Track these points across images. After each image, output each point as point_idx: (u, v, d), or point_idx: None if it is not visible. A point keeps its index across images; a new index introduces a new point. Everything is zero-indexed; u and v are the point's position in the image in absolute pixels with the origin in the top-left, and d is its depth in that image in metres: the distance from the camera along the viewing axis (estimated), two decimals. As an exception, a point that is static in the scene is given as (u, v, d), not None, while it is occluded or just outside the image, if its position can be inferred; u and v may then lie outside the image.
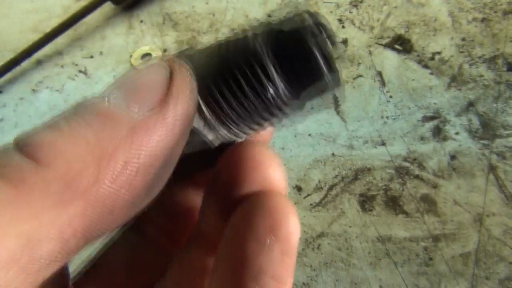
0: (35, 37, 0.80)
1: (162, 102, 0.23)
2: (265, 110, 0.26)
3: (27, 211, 0.19)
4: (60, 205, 0.20)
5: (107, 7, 0.85)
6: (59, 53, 0.81)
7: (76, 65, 0.79)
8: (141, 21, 0.83)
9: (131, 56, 0.78)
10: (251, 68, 0.25)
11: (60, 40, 0.81)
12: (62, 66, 0.79)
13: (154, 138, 0.22)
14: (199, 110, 0.26)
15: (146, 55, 0.78)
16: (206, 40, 0.79)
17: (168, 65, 0.24)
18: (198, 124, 0.26)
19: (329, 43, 0.25)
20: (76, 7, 0.85)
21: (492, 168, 0.61)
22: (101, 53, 0.80)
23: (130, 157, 0.22)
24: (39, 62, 0.80)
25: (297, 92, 0.26)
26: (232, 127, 0.27)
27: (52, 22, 0.84)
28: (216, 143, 0.28)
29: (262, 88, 0.25)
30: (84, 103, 0.23)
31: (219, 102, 0.26)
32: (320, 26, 0.25)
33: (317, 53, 0.25)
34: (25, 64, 0.78)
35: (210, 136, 0.27)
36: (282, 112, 0.27)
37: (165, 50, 0.78)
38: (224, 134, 0.27)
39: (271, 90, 0.26)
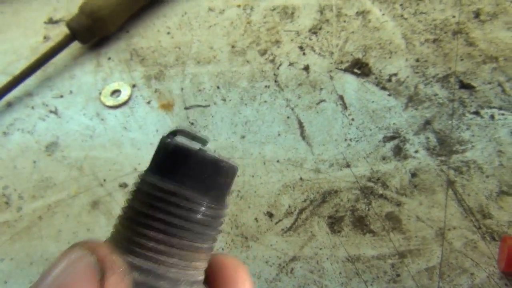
0: (3, 79, 0.81)
1: None
2: (200, 224, 0.28)
3: None
4: None
5: (75, 46, 0.86)
6: (29, 94, 0.82)
7: (47, 105, 0.80)
8: (109, 58, 0.85)
9: (100, 93, 0.80)
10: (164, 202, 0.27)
11: (29, 82, 0.82)
12: (32, 107, 0.80)
13: None
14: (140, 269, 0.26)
15: (116, 91, 0.80)
16: (174, 73, 0.81)
17: (100, 263, 0.23)
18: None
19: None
20: (43, 47, 0.86)
21: (450, 183, 0.64)
22: (70, 92, 0.81)
23: None
24: (9, 104, 0.81)
25: (207, 191, 0.28)
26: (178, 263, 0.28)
27: (20, 63, 0.86)
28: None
29: (187, 210, 0.28)
30: None
31: (155, 248, 0.27)
32: (173, 133, 0.30)
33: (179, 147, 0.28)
34: (-5, 107, 0.79)
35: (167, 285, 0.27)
36: (212, 217, 0.29)
37: (134, 86, 0.80)
38: (174, 274, 0.27)
39: (195, 206, 0.28)
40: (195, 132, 0.29)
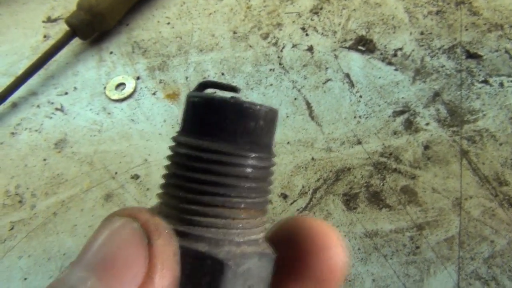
0: (7, 80, 0.81)
1: (146, 278, 0.21)
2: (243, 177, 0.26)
3: None
4: None
5: (75, 42, 0.86)
6: (33, 93, 0.81)
7: (52, 103, 0.80)
8: (111, 53, 0.85)
9: (105, 87, 0.80)
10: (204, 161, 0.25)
11: (33, 81, 0.82)
12: (38, 106, 0.80)
13: None
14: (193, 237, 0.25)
15: (120, 85, 0.80)
16: (177, 62, 0.81)
17: (143, 227, 0.22)
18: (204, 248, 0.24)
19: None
20: (44, 46, 0.86)
21: (464, 153, 0.64)
22: (75, 88, 0.81)
23: None
24: (14, 105, 0.80)
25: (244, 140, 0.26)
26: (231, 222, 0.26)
27: (22, 64, 0.85)
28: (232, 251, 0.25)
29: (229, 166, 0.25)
30: None
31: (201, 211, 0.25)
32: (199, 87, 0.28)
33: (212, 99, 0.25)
34: (0, 108, 0.79)
35: (221, 253, 0.24)
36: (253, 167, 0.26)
37: (138, 78, 0.80)
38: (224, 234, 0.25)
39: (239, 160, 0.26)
40: (223, 82, 0.27)
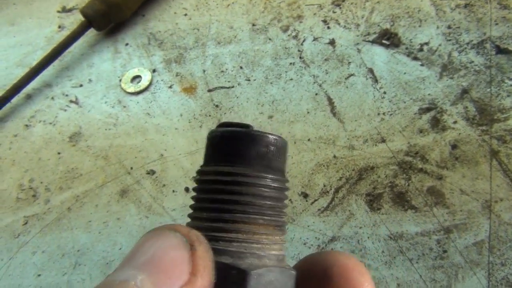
0: (21, 71, 0.80)
1: (191, 277, 0.24)
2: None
3: None
4: None
5: (90, 33, 0.84)
6: (48, 85, 0.80)
7: (67, 95, 0.78)
8: (127, 44, 0.83)
9: (120, 80, 0.78)
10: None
11: (47, 72, 0.80)
12: (52, 98, 0.78)
13: None
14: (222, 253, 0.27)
15: (136, 77, 0.78)
16: (194, 55, 0.79)
17: (186, 237, 0.25)
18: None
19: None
20: (59, 37, 0.84)
21: (494, 153, 0.61)
22: (90, 80, 0.79)
23: None
24: (29, 97, 0.79)
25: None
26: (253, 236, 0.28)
27: (37, 54, 0.84)
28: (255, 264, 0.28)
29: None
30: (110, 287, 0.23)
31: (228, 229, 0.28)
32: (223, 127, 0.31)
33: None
34: (15, 100, 0.78)
35: (244, 264, 0.27)
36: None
37: (154, 70, 0.78)
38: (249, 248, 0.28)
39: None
40: (236, 122, 0.30)
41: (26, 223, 0.65)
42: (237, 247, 0.27)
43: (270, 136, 0.29)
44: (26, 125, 0.76)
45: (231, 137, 0.29)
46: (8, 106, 0.77)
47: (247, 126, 0.30)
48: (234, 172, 0.28)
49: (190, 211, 0.31)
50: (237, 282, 0.26)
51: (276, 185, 0.29)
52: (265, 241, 0.28)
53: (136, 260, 0.24)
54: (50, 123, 0.75)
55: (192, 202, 0.31)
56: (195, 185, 0.31)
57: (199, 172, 0.31)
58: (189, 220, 0.31)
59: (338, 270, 0.28)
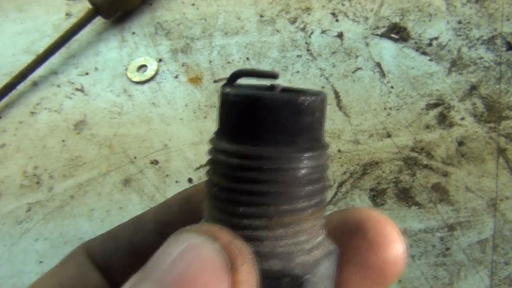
0: (28, 58, 0.80)
1: None
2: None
3: None
4: None
5: (98, 21, 0.84)
6: (54, 72, 0.80)
7: (72, 83, 0.78)
8: (133, 33, 0.82)
9: (126, 69, 0.78)
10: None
11: (54, 60, 0.80)
12: (58, 86, 0.78)
13: None
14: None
15: (142, 66, 0.78)
16: (201, 45, 0.78)
17: (226, 250, 0.20)
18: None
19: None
20: (66, 24, 0.84)
21: (501, 151, 0.60)
22: (96, 69, 0.79)
23: None
24: (35, 84, 0.79)
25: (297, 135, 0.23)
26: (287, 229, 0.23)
27: (43, 42, 0.84)
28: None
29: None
30: None
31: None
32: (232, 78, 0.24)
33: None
34: (21, 87, 0.78)
35: (297, 268, 0.23)
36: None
37: (160, 60, 0.78)
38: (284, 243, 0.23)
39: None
40: (259, 69, 0.23)
41: (29, 210, 0.66)
42: (285, 247, 0.22)
43: (314, 99, 0.23)
44: (32, 112, 0.76)
45: (267, 107, 0.22)
46: (14, 92, 0.77)
47: (274, 76, 0.23)
48: (278, 156, 0.22)
49: None
50: None
51: (323, 162, 0.24)
52: (312, 231, 0.24)
53: (160, 275, 0.19)
54: (56, 111, 0.75)
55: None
56: (209, 164, 0.25)
57: (221, 150, 0.23)
58: (211, 208, 0.25)
59: (373, 225, 0.27)
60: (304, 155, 0.23)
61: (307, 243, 0.23)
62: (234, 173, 0.23)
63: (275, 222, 0.22)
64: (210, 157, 0.24)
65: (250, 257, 0.20)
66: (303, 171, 0.23)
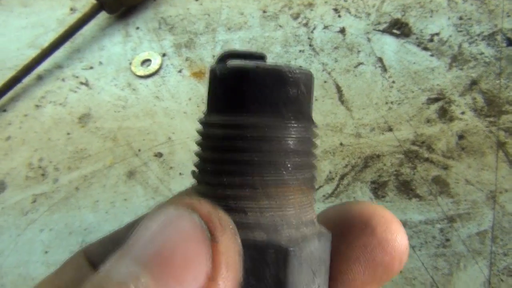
0: (32, 52, 0.80)
1: (209, 281, 0.19)
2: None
3: None
4: None
5: (102, 16, 0.85)
6: (58, 66, 0.81)
7: (77, 77, 0.79)
8: (137, 28, 0.83)
9: (130, 63, 0.79)
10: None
11: (58, 54, 0.81)
12: (63, 80, 0.79)
13: None
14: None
15: (146, 61, 0.78)
16: (204, 40, 0.79)
17: (206, 221, 0.19)
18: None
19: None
20: (70, 19, 0.85)
21: (500, 145, 0.61)
22: (100, 63, 0.80)
23: None
24: (40, 77, 0.80)
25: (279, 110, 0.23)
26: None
27: (48, 36, 0.84)
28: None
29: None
30: None
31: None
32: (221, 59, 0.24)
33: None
34: (26, 80, 0.79)
35: (283, 240, 0.22)
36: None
37: (164, 55, 0.78)
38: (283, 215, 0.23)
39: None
40: (247, 50, 0.24)
41: (34, 201, 0.66)
42: (270, 218, 0.22)
43: (300, 72, 0.23)
44: (37, 105, 0.76)
45: (254, 77, 0.23)
46: (19, 86, 0.78)
47: (262, 57, 0.24)
48: (264, 125, 0.22)
49: None
50: (276, 263, 0.22)
51: (309, 135, 0.24)
52: (300, 206, 0.23)
53: (139, 250, 0.19)
54: (60, 104, 0.76)
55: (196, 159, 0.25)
56: (200, 136, 0.25)
57: (207, 123, 0.24)
58: (198, 181, 0.25)
59: (380, 221, 0.27)
60: (288, 125, 0.23)
61: (294, 218, 0.23)
62: (218, 144, 0.23)
63: (260, 192, 0.22)
64: (198, 134, 0.25)
65: (231, 227, 0.20)
66: (288, 141, 0.23)
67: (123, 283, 0.18)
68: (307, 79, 0.24)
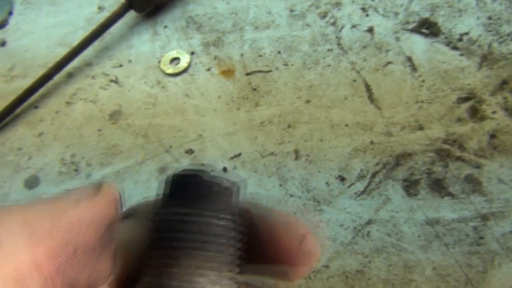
0: (62, 50, 0.82)
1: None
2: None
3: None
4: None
5: (130, 15, 0.86)
6: (88, 64, 0.82)
7: (107, 74, 0.80)
8: (165, 27, 0.84)
9: (159, 61, 0.80)
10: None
11: (88, 52, 0.82)
12: (93, 77, 0.80)
13: None
14: None
15: (175, 59, 0.79)
16: (232, 39, 0.80)
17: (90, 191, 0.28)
18: None
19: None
20: (99, 18, 0.86)
21: (533, 144, 0.61)
22: (129, 61, 0.81)
23: None
24: (70, 75, 0.81)
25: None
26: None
27: (77, 34, 0.86)
28: None
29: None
30: None
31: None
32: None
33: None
34: (57, 78, 0.80)
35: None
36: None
37: (192, 53, 0.79)
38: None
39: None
40: (198, 167, 0.30)
41: (68, 196, 0.67)
42: (178, 284, 0.27)
43: (215, 180, 0.30)
44: (68, 102, 0.78)
45: (179, 182, 0.31)
46: (50, 83, 0.79)
47: (206, 172, 0.31)
48: (180, 212, 0.29)
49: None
50: None
51: (220, 223, 0.30)
52: (208, 276, 0.28)
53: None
54: (91, 101, 0.77)
55: None
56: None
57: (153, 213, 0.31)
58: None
59: (269, 226, 0.31)
60: (194, 212, 0.29)
61: (205, 285, 0.28)
62: (151, 223, 0.30)
63: (173, 262, 0.27)
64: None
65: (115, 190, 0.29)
66: (195, 224, 0.29)
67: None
68: (226, 192, 0.30)
